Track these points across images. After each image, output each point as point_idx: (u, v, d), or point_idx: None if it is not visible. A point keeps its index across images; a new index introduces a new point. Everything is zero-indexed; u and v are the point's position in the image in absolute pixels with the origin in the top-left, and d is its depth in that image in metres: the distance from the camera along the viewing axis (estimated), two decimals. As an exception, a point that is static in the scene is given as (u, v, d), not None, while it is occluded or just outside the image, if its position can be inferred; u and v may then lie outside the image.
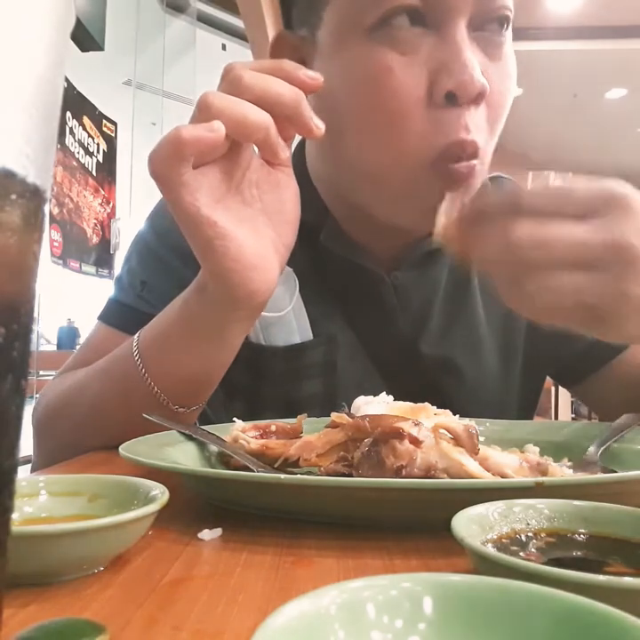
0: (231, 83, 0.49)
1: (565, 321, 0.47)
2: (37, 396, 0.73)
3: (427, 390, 0.65)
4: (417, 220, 0.63)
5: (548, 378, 0.86)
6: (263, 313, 0.66)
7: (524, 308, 0.47)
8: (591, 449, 0.49)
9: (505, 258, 0.44)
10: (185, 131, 0.47)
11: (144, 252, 0.76)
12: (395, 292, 0.73)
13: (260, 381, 0.73)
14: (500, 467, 0.40)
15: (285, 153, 0.52)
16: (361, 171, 0.63)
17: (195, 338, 0.58)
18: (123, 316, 0.73)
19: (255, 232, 0.53)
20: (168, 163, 0.48)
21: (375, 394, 0.67)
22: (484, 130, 0.58)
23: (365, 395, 0.64)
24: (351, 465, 0.41)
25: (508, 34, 0.61)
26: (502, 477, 0.39)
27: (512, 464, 0.41)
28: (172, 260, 0.71)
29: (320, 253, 0.73)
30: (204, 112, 0.48)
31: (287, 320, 0.71)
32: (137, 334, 0.61)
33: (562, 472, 0.42)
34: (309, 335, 0.72)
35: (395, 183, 0.61)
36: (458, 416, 0.46)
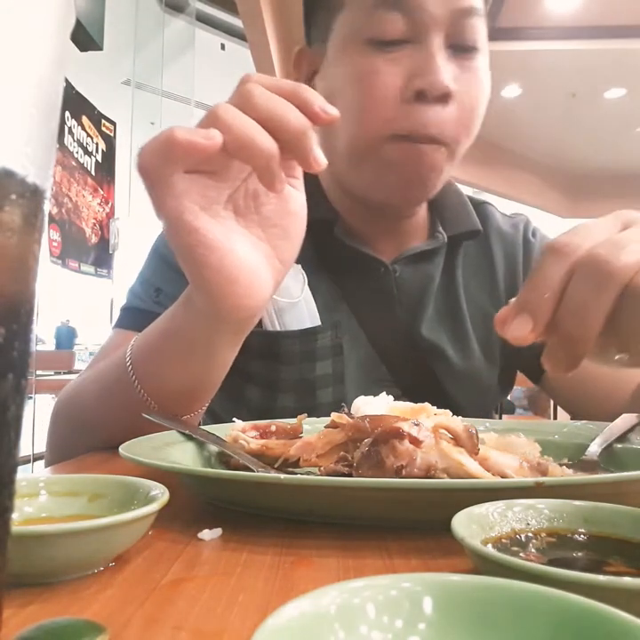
0: (240, 97, 0.47)
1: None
2: (36, 395, 0.74)
3: (421, 372, 0.78)
4: (392, 192, 0.75)
5: None
6: (278, 298, 0.76)
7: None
8: (591, 449, 0.50)
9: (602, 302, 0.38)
10: (179, 132, 0.45)
11: (158, 263, 0.80)
12: (395, 283, 0.82)
13: (277, 366, 0.78)
14: (500, 467, 0.40)
15: (282, 185, 0.49)
16: (343, 150, 0.74)
17: (180, 350, 0.57)
18: (139, 319, 0.73)
19: (245, 245, 0.51)
20: (156, 160, 0.47)
21: (376, 376, 0.73)
22: (451, 125, 0.70)
23: (368, 375, 0.69)
24: (351, 465, 0.41)
25: (480, 54, 0.74)
26: (502, 477, 0.39)
27: (512, 464, 0.41)
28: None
29: (329, 248, 0.81)
30: (211, 122, 0.46)
31: (299, 307, 0.77)
32: (132, 342, 0.61)
33: (562, 472, 0.42)
34: (318, 321, 0.78)
35: (368, 157, 0.73)
36: (460, 418, 0.46)
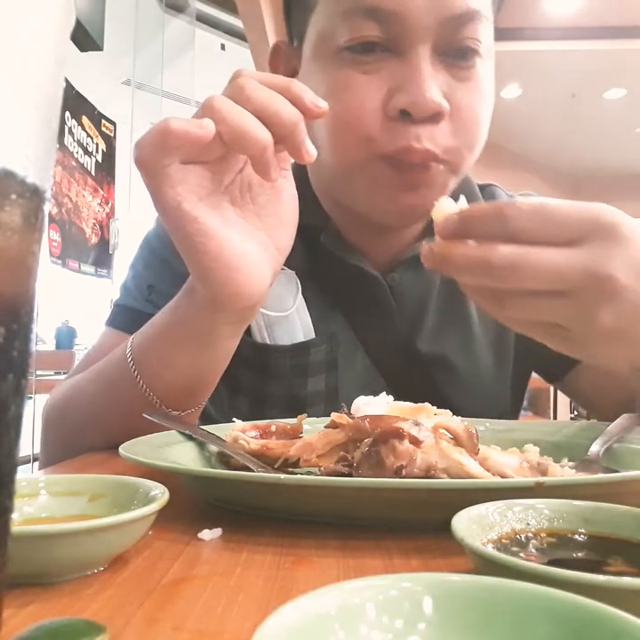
0: (234, 89, 0.49)
1: (538, 337, 0.48)
2: (36, 395, 0.74)
3: (423, 386, 0.70)
4: (385, 206, 0.68)
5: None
6: (268, 312, 0.71)
7: (502, 319, 0.48)
8: (593, 449, 0.49)
9: (484, 278, 0.44)
10: (174, 122, 0.46)
11: (150, 256, 0.78)
12: (391, 293, 0.76)
13: (266, 380, 0.74)
14: (500, 467, 0.40)
15: (277, 174, 0.50)
16: (330, 169, 0.69)
17: (183, 342, 0.57)
18: (131, 319, 0.73)
19: (243, 233, 0.52)
20: (153, 151, 0.48)
21: (374, 390, 0.70)
22: (446, 143, 0.63)
23: (365, 390, 0.66)
24: (351, 465, 0.41)
25: (481, 59, 0.64)
26: (502, 477, 0.39)
27: (512, 464, 0.41)
28: (179, 264, 0.70)
29: (320, 256, 0.75)
30: (206, 113, 0.47)
31: (291, 319, 0.73)
32: (131, 337, 0.61)
33: (562, 472, 0.42)
34: (312, 334, 0.74)
35: (355, 177, 0.67)
36: (460, 418, 0.46)
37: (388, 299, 0.76)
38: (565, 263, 0.43)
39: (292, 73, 0.71)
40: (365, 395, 0.72)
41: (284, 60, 0.73)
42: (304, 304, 0.74)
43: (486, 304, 0.46)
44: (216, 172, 0.51)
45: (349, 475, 0.40)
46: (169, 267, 0.72)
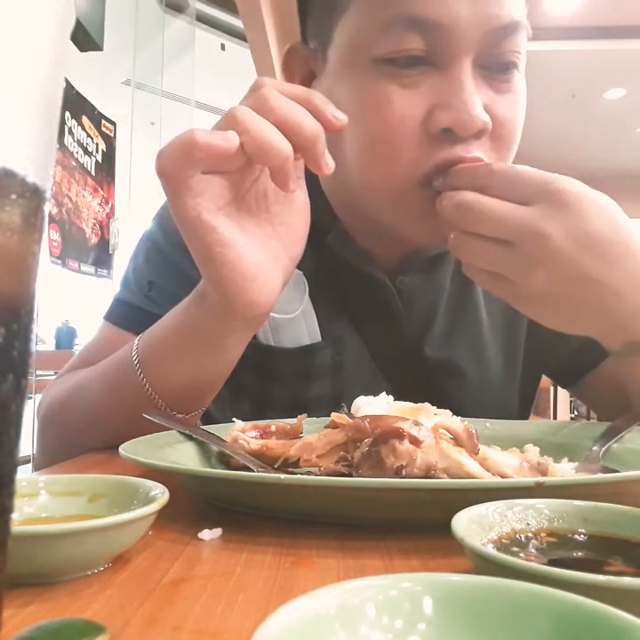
0: (257, 100, 0.49)
1: (487, 286, 0.57)
2: (36, 395, 0.73)
3: (431, 393, 0.66)
4: (417, 230, 0.65)
5: (545, 377, 0.87)
6: (274, 314, 0.69)
7: (464, 267, 0.57)
8: (594, 448, 0.49)
9: (450, 218, 0.55)
10: (200, 134, 0.46)
11: (152, 251, 0.76)
12: (399, 297, 0.75)
13: (269, 382, 0.73)
14: (500, 467, 0.40)
15: (295, 185, 0.51)
16: (360, 186, 0.66)
17: (192, 346, 0.57)
18: (129, 316, 0.72)
19: (259, 242, 0.53)
20: (177, 163, 0.48)
21: (378, 394, 0.68)
22: (484, 154, 0.60)
23: (370, 394, 0.64)
24: (351, 465, 0.41)
25: (519, 71, 0.63)
26: (502, 477, 0.39)
27: (512, 464, 0.41)
28: (180, 259, 0.69)
29: (327, 256, 0.74)
30: (229, 124, 0.47)
31: (297, 322, 0.72)
32: (137, 338, 0.61)
33: (562, 472, 0.42)
34: (318, 337, 0.73)
35: (388, 199, 0.63)
36: (460, 418, 0.46)
37: (395, 303, 0.75)
38: (508, 215, 0.51)
39: (309, 76, 0.68)
40: None
41: (300, 63, 0.69)
42: (311, 306, 0.73)
43: (455, 250, 0.56)
44: (235, 181, 0.51)
45: (349, 475, 0.40)
46: (171, 263, 0.72)
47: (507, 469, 0.40)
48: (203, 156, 0.47)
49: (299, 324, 0.72)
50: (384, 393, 0.52)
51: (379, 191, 0.64)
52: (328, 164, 0.51)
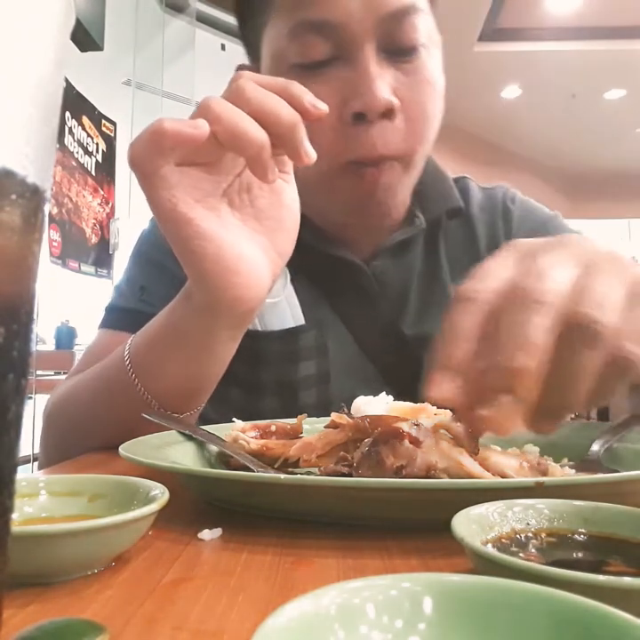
0: (233, 91, 0.48)
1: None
2: (36, 395, 0.74)
3: (410, 366, 0.71)
4: (345, 213, 0.72)
5: None
6: None
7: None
8: (594, 448, 0.49)
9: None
10: (167, 122, 0.46)
11: (142, 258, 0.79)
12: (375, 280, 0.79)
13: (258, 366, 0.75)
14: (501, 467, 0.40)
15: (274, 176, 0.49)
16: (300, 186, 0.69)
17: (181, 346, 0.57)
18: (124, 318, 0.73)
19: (242, 236, 0.52)
20: (147, 153, 0.47)
21: (364, 373, 0.71)
22: (400, 139, 0.66)
23: (355, 374, 0.67)
24: (351, 465, 0.41)
25: (425, 50, 0.67)
26: (502, 477, 0.39)
27: (512, 464, 0.41)
28: (169, 263, 0.68)
29: (303, 248, 0.75)
30: (201, 114, 0.47)
31: (281, 307, 0.75)
32: (130, 339, 0.61)
33: (562, 472, 0.42)
34: (302, 320, 0.76)
35: (317, 185, 0.69)
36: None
37: (372, 286, 0.79)
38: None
39: None
40: (356, 379, 0.76)
41: None
42: (293, 292, 0.76)
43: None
44: (214, 173, 0.50)
45: (349, 475, 0.40)
46: (161, 267, 0.73)
47: (507, 469, 0.40)
48: (172, 145, 0.46)
49: (283, 309, 0.75)
50: (383, 393, 0.52)
51: (307, 179, 0.66)
52: (308, 154, 0.49)
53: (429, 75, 0.68)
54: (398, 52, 0.66)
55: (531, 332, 0.34)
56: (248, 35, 0.76)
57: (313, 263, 0.77)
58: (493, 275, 0.38)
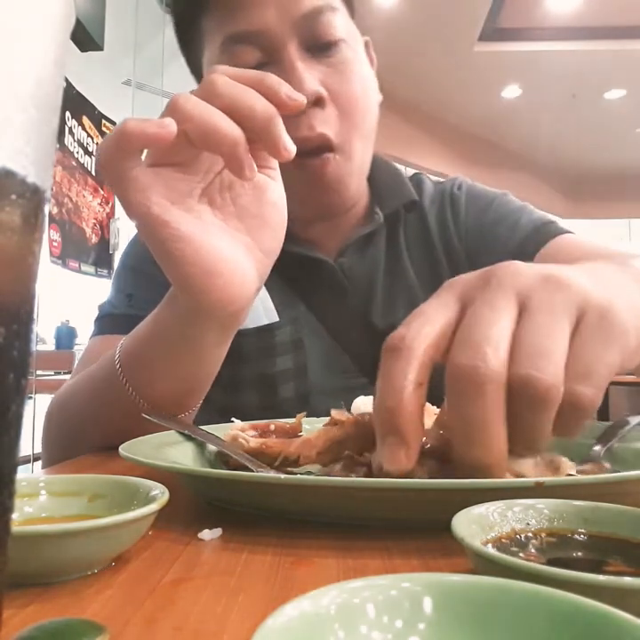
0: (204, 87, 0.47)
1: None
2: (36, 395, 0.75)
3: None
4: (305, 210, 0.75)
5: None
6: None
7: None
8: (595, 448, 0.50)
9: None
10: (131, 123, 0.44)
11: (127, 268, 0.81)
12: (344, 275, 0.83)
13: (235, 363, 0.75)
14: (518, 466, 0.40)
15: (252, 173, 0.47)
16: None
17: (168, 352, 0.56)
18: (114, 322, 0.75)
19: (223, 237, 0.50)
20: (113, 154, 0.46)
21: (340, 365, 0.73)
22: (335, 125, 0.70)
23: (331, 366, 0.70)
24: (365, 464, 0.41)
25: (345, 44, 0.72)
26: (520, 477, 0.39)
27: (527, 462, 0.41)
28: (156, 270, 0.69)
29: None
30: (169, 112, 0.45)
31: (255, 306, 0.76)
32: (120, 343, 0.60)
33: (573, 468, 0.42)
34: (276, 317, 0.78)
35: None
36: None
37: (341, 281, 0.82)
38: None
39: None
40: (332, 371, 0.79)
41: None
42: (265, 290, 0.78)
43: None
44: (190, 173, 0.49)
45: (369, 474, 0.40)
46: (144, 275, 0.74)
47: (523, 468, 0.40)
48: (138, 146, 0.45)
49: (256, 307, 0.77)
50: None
51: None
52: (286, 148, 0.47)
53: (355, 67, 0.73)
54: (320, 47, 0.71)
55: (481, 425, 0.33)
56: (193, 61, 0.80)
57: (284, 263, 0.77)
58: (427, 320, 0.37)
